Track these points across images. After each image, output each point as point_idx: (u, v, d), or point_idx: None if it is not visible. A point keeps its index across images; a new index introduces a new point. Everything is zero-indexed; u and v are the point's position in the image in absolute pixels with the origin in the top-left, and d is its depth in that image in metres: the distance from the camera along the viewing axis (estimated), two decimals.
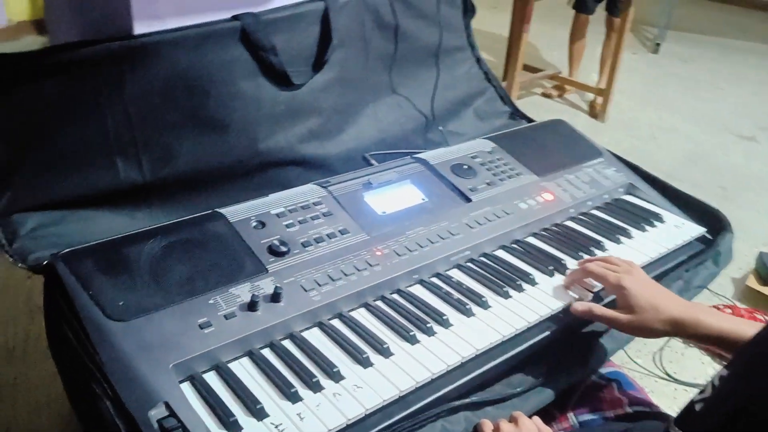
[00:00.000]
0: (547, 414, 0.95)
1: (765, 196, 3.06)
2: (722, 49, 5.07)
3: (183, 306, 0.83)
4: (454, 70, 1.51)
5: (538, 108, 3.68)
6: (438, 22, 1.45)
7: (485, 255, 1.07)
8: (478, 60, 1.56)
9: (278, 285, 0.88)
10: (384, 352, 0.84)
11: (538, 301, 0.97)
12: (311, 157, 1.23)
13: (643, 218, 1.21)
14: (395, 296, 0.96)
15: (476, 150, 1.28)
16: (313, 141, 1.24)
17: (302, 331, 0.88)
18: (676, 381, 1.92)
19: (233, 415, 0.72)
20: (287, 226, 0.99)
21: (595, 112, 3.72)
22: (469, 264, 1.05)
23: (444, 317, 0.90)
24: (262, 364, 0.81)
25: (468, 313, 0.92)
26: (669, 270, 1.13)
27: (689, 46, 5.04)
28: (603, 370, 1.03)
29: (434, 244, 1.03)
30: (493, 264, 1.05)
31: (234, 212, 0.99)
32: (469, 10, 1.54)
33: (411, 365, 0.82)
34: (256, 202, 1.03)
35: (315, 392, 0.77)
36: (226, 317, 0.83)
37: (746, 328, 0.83)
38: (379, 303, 0.95)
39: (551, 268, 1.04)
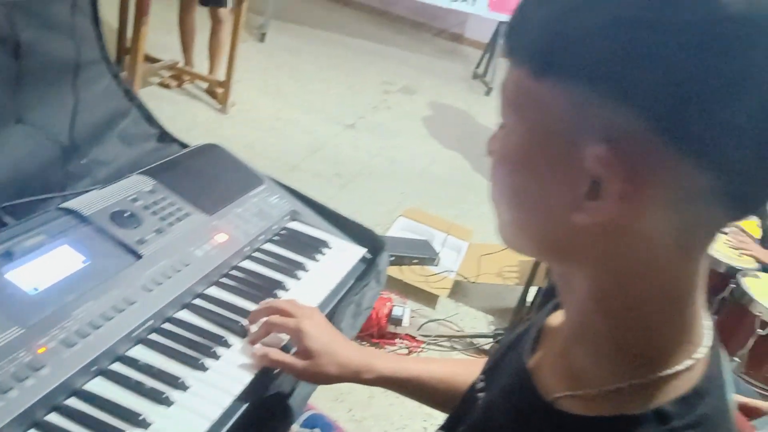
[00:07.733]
0: None
1: (373, 182, 3.49)
2: (323, 42, 5.51)
3: None
4: (91, 88, 1.30)
5: (159, 100, 3.49)
6: (70, 31, 1.22)
7: (170, 320, 0.96)
8: (116, 76, 1.37)
9: None
10: None
11: (238, 366, 0.91)
12: None
13: (313, 247, 1.24)
14: (72, 402, 0.79)
15: (135, 190, 1.12)
16: None
17: None
18: None
19: None
20: None
21: (219, 102, 3.69)
22: (154, 336, 0.92)
23: (140, 417, 0.78)
24: None
25: (166, 402, 0.81)
26: (343, 297, 1.18)
27: (292, 36, 5.34)
28: (303, 417, 1.03)
29: (110, 321, 0.87)
30: (179, 331, 0.94)
31: None
32: (98, 17, 1.33)
33: None
34: None
35: None
36: None
37: (424, 368, 0.86)
38: (53, 418, 0.76)
39: (240, 324, 0.98)
